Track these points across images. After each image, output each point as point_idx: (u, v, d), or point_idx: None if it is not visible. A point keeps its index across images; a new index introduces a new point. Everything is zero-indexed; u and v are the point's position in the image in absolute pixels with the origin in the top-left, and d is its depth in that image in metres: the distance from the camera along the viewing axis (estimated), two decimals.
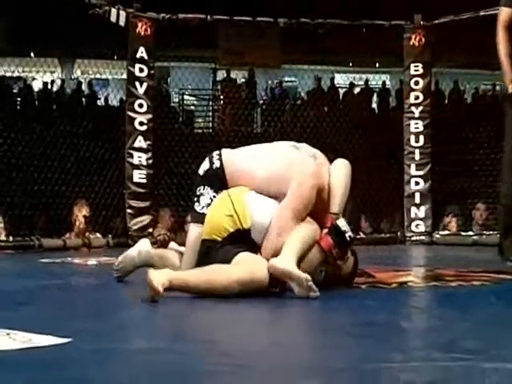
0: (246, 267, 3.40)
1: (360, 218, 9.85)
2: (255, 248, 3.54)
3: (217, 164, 3.84)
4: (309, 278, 3.31)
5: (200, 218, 3.74)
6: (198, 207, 3.80)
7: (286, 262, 3.38)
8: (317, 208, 3.69)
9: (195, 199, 3.84)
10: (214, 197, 3.76)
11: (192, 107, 17.04)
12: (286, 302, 3.39)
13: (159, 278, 3.17)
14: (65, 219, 8.74)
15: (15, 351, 2.13)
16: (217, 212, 3.64)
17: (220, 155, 3.87)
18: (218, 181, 3.80)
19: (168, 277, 3.23)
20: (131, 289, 3.89)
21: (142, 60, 8.88)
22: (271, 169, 3.73)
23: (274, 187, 3.66)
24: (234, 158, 3.87)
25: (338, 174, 3.80)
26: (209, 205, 3.75)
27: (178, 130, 11.54)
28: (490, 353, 2.13)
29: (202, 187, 3.83)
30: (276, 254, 3.48)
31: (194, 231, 3.78)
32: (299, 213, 3.61)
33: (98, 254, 7.06)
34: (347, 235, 3.62)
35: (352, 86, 17.44)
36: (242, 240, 3.52)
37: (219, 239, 3.56)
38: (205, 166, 3.89)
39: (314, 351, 2.26)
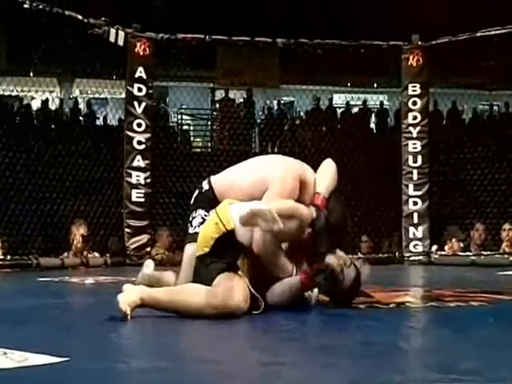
0: (220, 294, 3.38)
1: (360, 237, 9.83)
2: (241, 252, 3.54)
3: (206, 187, 4.03)
4: (272, 209, 3.34)
5: (193, 238, 3.82)
6: (190, 229, 3.96)
7: (252, 204, 3.44)
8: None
9: (188, 224, 3.96)
10: (206, 215, 3.87)
11: (190, 127, 17.06)
12: (284, 322, 3.39)
13: (126, 299, 3.26)
14: (63, 238, 8.73)
15: (12, 370, 2.12)
16: (205, 227, 3.71)
17: (209, 179, 4.06)
18: (208, 201, 3.95)
19: (140, 295, 3.32)
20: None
21: (140, 79, 8.90)
22: (256, 173, 3.89)
23: (261, 190, 3.77)
24: (221, 177, 4.05)
25: (324, 167, 4.02)
26: (201, 223, 3.86)
27: (176, 150, 11.54)
28: (487, 374, 2.12)
29: (194, 211, 4.02)
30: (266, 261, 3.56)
31: (188, 250, 3.89)
32: (284, 197, 3.70)
33: (95, 273, 7.05)
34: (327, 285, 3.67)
35: (350, 106, 17.48)
36: (229, 244, 3.52)
37: (208, 250, 3.57)
38: (195, 194, 4.09)
39: (312, 371, 2.25)
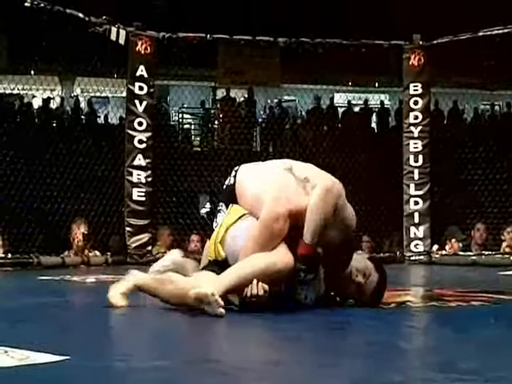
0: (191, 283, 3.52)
1: (360, 237, 9.83)
2: None
3: (231, 180, 3.90)
4: (214, 293, 3.32)
5: None
6: (214, 224, 3.89)
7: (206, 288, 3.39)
8: (298, 231, 3.64)
9: (215, 216, 3.94)
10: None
11: (191, 125, 17.05)
12: (283, 321, 3.38)
13: (116, 292, 3.59)
14: (64, 237, 8.73)
15: (13, 369, 2.12)
16: (210, 240, 3.80)
17: (237, 170, 3.93)
18: (230, 197, 3.88)
19: (136, 282, 3.63)
20: (130, 308, 3.87)
21: (141, 78, 8.91)
22: (257, 194, 3.75)
23: (258, 211, 3.70)
24: (243, 176, 3.89)
25: (315, 198, 3.61)
26: None
27: (177, 149, 11.54)
28: (488, 374, 2.12)
29: (220, 204, 3.93)
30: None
31: (207, 247, 3.91)
32: (264, 243, 3.60)
33: (96, 271, 7.04)
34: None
35: (351, 105, 17.46)
36: (221, 268, 3.61)
37: (212, 259, 3.75)
38: (227, 181, 3.95)
39: (312, 371, 2.25)
